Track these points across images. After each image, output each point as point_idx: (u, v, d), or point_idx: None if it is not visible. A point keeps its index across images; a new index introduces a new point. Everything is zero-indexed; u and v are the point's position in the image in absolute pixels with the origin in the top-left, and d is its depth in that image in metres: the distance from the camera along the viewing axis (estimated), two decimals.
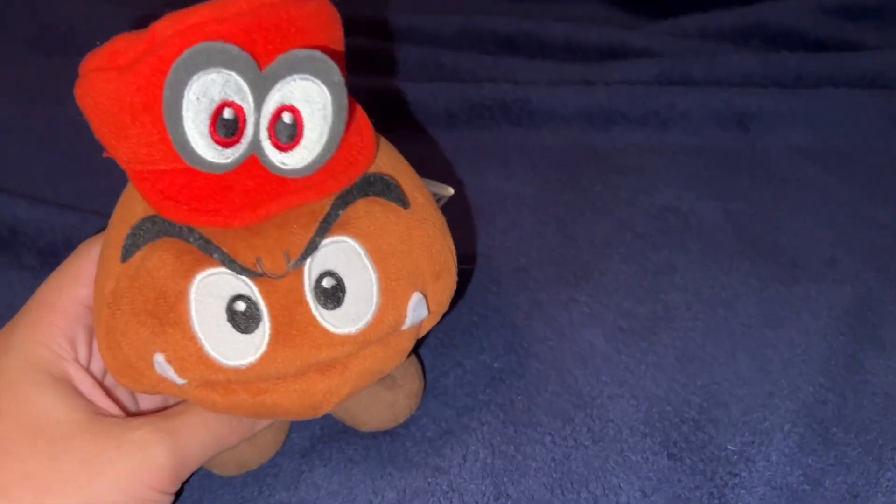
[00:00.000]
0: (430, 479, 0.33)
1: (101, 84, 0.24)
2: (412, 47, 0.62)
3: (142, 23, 0.25)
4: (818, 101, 0.54)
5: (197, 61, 0.23)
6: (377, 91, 0.55)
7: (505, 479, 0.33)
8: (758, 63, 0.57)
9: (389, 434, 0.35)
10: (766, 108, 0.54)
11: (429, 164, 0.52)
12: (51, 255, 0.44)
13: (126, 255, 0.27)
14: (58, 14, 0.68)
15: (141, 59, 0.24)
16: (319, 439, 0.35)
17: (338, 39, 0.28)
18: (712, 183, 0.50)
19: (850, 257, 0.44)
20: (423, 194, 0.31)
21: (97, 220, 0.45)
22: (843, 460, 0.33)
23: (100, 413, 0.28)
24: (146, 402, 0.32)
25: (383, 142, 0.31)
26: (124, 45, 0.24)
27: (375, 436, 0.35)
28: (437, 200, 0.37)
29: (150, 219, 0.27)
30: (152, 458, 0.27)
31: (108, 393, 0.30)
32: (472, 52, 0.63)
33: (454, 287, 0.31)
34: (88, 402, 0.28)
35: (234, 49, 0.24)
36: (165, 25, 0.24)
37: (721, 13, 0.64)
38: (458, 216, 0.46)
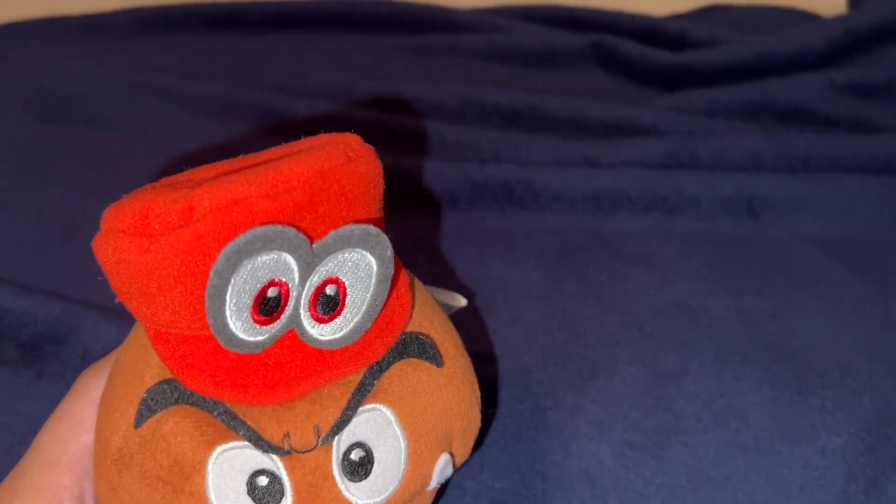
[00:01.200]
0: None
1: (127, 248, 0.22)
2: (414, 119, 0.61)
3: (170, 170, 0.24)
4: (830, 189, 0.53)
5: (251, 248, 0.22)
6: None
7: None
8: (767, 144, 0.56)
9: None
10: (777, 194, 0.53)
11: (430, 247, 0.51)
12: (33, 349, 0.42)
13: (139, 419, 0.25)
14: (56, 79, 0.67)
15: (176, 229, 0.22)
16: None
17: (380, 197, 0.26)
18: (722, 275, 0.49)
19: (867, 363, 0.42)
20: (454, 344, 0.30)
21: (83, 312, 0.43)
22: None
23: None
24: None
25: (416, 285, 0.29)
26: (158, 211, 0.23)
27: None
28: (448, 310, 0.36)
29: (170, 383, 0.25)
30: None
31: None
32: (476, 125, 0.62)
33: (477, 434, 0.30)
34: None
35: (291, 232, 0.22)
36: (207, 196, 0.22)
37: (730, 88, 0.63)
38: (466, 310, 0.44)
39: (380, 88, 0.64)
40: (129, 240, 0.22)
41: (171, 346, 0.24)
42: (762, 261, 0.50)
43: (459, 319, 0.31)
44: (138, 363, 0.26)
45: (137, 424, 0.25)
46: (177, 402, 0.25)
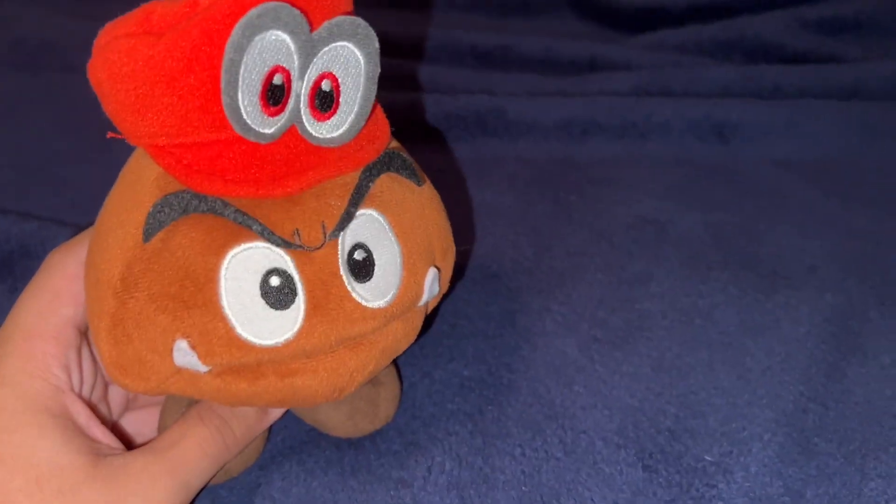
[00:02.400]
0: (392, 493, 0.31)
1: (134, 49, 0.22)
2: (389, 60, 0.61)
3: None
4: (798, 113, 0.53)
5: (263, 22, 0.22)
6: None
7: (472, 493, 0.31)
8: (737, 75, 0.57)
9: (353, 446, 0.33)
10: (746, 119, 0.53)
11: None
12: (7, 264, 0.43)
13: (148, 235, 0.25)
14: (29, 29, 0.67)
15: (184, 22, 0.22)
16: (279, 451, 0.33)
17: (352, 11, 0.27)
18: (691, 194, 0.49)
19: (830, 266, 0.43)
20: (424, 174, 0.31)
21: (55, 228, 0.43)
22: (824, 471, 0.32)
23: (101, 454, 0.27)
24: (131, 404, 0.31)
25: None
26: (161, 10, 0.23)
27: (339, 447, 0.33)
28: None
29: (176, 195, 0.25)
30: (159, 500, 0.26)
31: (102, 419, 0.28)
32: (451, 66, 0.62)
33: (453, 264, 0.32)
34: (90, 441, 0.27)
35: (297, 12, 0.23)
36: None
37: (700, 27, 0.64)
38: None
39: None
40: (135, 41, 0.22)
41: (176, 156, 0.24)
42: (731, 181, 0.51)
43: None
44: (133, 196, 0.26)
45: (147, 239, 0.25)
46: (184, 211, 0.25)
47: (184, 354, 0.25)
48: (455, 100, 0.55)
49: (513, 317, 0.40)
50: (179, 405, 0.30)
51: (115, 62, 0.22)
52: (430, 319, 0.31)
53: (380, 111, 0.28)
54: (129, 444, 0.29)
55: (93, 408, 0.28)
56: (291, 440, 0.34)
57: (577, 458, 0.32)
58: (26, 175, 0.53)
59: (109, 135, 0.25)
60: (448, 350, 0.37)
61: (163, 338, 0.25)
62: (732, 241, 0.45)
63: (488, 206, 0.48)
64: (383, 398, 0.32)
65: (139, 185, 0.26)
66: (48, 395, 0.26)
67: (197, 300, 0.25)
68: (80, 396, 0.28)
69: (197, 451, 0.28)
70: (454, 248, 0.32)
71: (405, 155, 0.29)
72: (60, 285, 0.28)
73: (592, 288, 0.42)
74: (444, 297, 0.33)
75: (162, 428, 0.30)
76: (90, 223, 0.45)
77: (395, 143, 0.30)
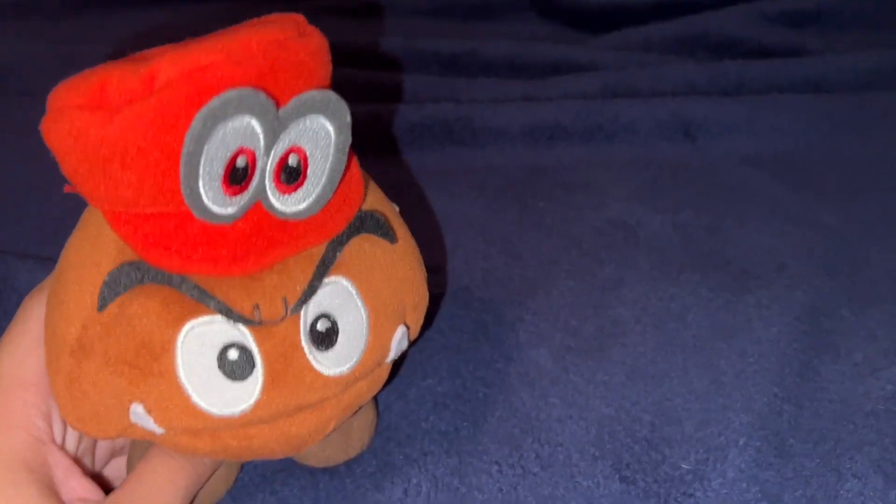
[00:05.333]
0: None
1: (86, 123, 0.21)
2: (353, 70, 0.61)
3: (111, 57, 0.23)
4: (763, 108, 0.54)
5: (225, 111, 0.21)
6: None
7: None
8: (701, 72, 0.57)
9: (327, 472, 0.33)
10: (712, 116, 0.53)
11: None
12: None
13: (103, 303, 0.24)
14: None
15: (140, 100, 0.21)
16: (252, 481, 0.33)
17: (330, 74, 0.26)
18: (659, 195, 0.49)
19: (799, 263, 0.43)
20: (401, 225, 0.30)
21: (16, 261, 0.43)
22: (801, 473, 0.32)
23: None
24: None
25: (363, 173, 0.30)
26: (115, 82, 0.22)
27: (312, 473, 0.33)
28: None
29: (133, 264, 0.24)
30: None
31: (83, 469, 0.28)
32: (415, 73, 0.62)
33: (426, 311, 0.31)
34: (67, 497, 0.26)
35: (261, 95, 0.22)
36: (169, 64, 0.22)
37: (664, 24, 0.64)
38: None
39: None
40: (87, 115, 0.21)
41: (133, 225, 0.24)
42: (698, 180, 0.51)
43: None
44: (92, 253, 0.25)
45: (101, 308, 0.24)
46: (140, 281, 0.24)
47: (139, 417, 0.25)
48: (420, 109, 0.54)
49: (486, 329, 0.39)
50: (145, 441, 0.29)
51: (67, 134, 0.22)
52: (402, 354, 0.30)
53: (354, 170, 0.27)
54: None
55: (76, 459, 0.28)
56: (264, 469, 0.33)
57: (554, 473, 0.32)
58: None
59: (67, 189, 0.24)
60: (421, 367, 0.37)
61: (118, 399, 0.25)
62: (702, 241, 0.45)
63: (458, 215, 0.48)
64: (357, 428, 0.32)
65: (99, 241, 0.25)
66: (28, 449, 0.26)
67: (153, 369, 0.25)
68: (61, 447, 0.27)
69: (169, 487, 0.27)
70: (427, 298, 0.31)
71: (378, 214, 0.29)
72: (38, 332, 0.27)
73: (564, 296, 0.41)
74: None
75: (130, 463, 0.30)
76: (51, 254, 0.45)
77: (370, 197, 0.29)
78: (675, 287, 0.41)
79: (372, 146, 0.54)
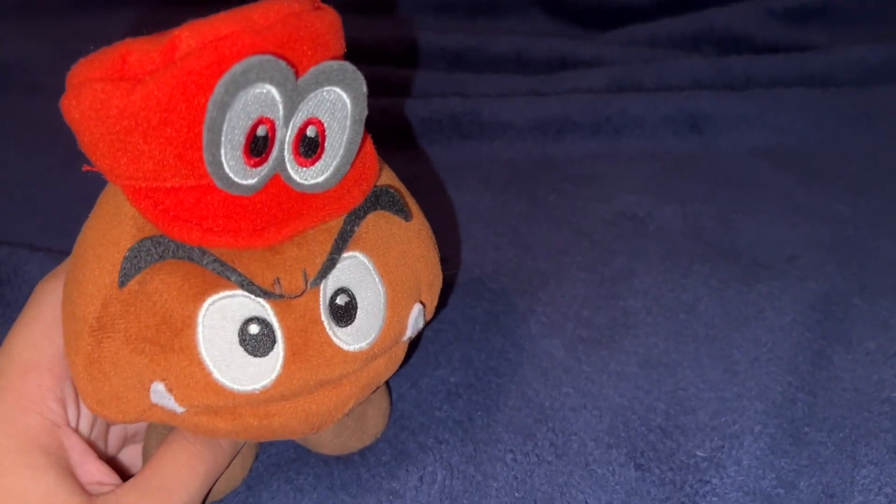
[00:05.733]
0: None
1: (108, 96, 0.21)
2: (360, 65, 0.61)
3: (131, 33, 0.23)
4: (769, 102, 0.54)
5: (247, 78, 0.21)
6: None
7: (464, 501, 0.31)
8: (707, 67, 0.57)
9: (342, 460, 0.33)
10: (719, 110, 0.53)
11: None
12: None
13: (124, 279, 0.24)
14: None
15: (161, 70, 0.21)
16: (267, 469, 0.33)
17: (344, 49, 0.26)
18: (668, 187, 0.49)
19: (810, 253, 0.43)
20: (414, 203, 0.30)
21: (28, 254, 0.42)
22: (816, 460, 0.32)
23: (95, 492, 0.26)
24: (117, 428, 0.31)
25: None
26: (136, 54, 0.22)
27: (327, 462, 0.33)
28: None
29: (153, 239, 0.24)
30: None
31: (98, 453, 0.28)
32: (423, 69, 0.62)
33: (440, 291, 0.31)
34: (84, 480, 0.26)
35: (282, 63, 0.22)
36: (190, 35, 0.22)
37: (669, 20, 0.64)
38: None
39: None
40: (108, 86, 0.21)
41: (153, 200, 0.24)
42: (707, 172, 0.51)
43: None
44: (110, 232, 0.25)
45: (122, 285, 0.24)
46: (161, 257, 0.24)
47: (160, 396, 0.25)
48: (429, 103, 0.54)
49: (497, 319, 0.39)
50: (163, 427, 0.29)
51: (89, 107, 0.22)
52: (415, 341, 0.30)
53: (369, 147, 0.27)
54: (127, 477, 0.29)
55: (90, 444, 0.28)
56: (279, 458, 0.33)
57: (569, 461, 0.32)
58: None
59: (85, 168, 0.24)
60: (434, 357, 0.37)
61: (139, 378, 0.25)
62: (711, 232, 0.45)
63: (468, 208, 0.48)
64: (371, 415, 0.32)
65: (117, 220, 0.25)
66: (43, 432, 0.26)
67: (174, 345, 0.25)
68: (76, 430, 0.27)
69: (188, 472, 0.27)
70: (441, 278, 0.31)
71: (393, 190, 0.29)
72: (53, 315, 0.27)
73: (575, 287, 0.41)
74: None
75: (146, 450, 0.30)
76: (60, 248, 0.45)
77: (384, 176, 0.29)
78: (686, 278, 0.41)
79: (381, 140, 0.54)
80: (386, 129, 0.54)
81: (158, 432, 0.29)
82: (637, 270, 0.42)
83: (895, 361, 0.35)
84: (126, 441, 0.31)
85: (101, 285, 0.25)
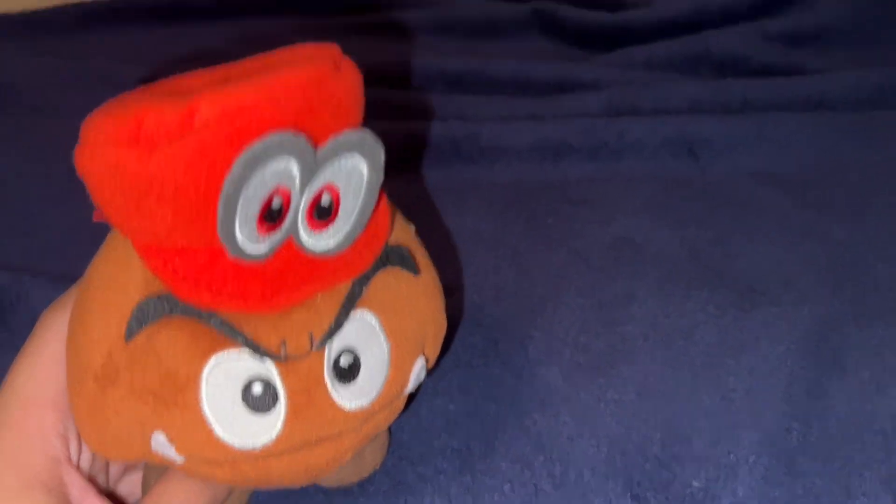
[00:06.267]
0: None
1: (123, 160, 0.21)
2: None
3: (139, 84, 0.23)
4: (766, 126, 0.54)
5: (266, 155, 0.21)
6: None
7: None
8: (705, 90, 0.57)
9: (340, 492, 0.33)
10: (716, 134, 0.54)
11: None
12: None
13: (130, 333, 0.25)
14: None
15: (178, 138, 0.21)
16: (265, 501, 0.33)
17: (363, 106, 0.26)
18: (666, 211, 0.50)
19: (806, 278, 0.43)
20: (423, 255, 0.31)
21: (30, 279, 0.43)
22: (811, 490, 0.32)
23: None
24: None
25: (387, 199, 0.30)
26: (155, 119, 0.21)
27: (327, 494, 0.33)
28: None
29: (162, 297, 0.24)
30: None
31: (98, 488, 0.28)
32: (421, 91, 0.62)
33: (443, 337, 0.32)
34: None
35: (301, 139, 0.22)
36: (209, 103, 0.21)
37: (667, 43, 0.65)
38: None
39: None
40: (124, 151, 0.21)
41: (164, 259, 0.24)
42: (704, 196, 0.51)
43: None
44: (119, 277, 0.25)
45: (128, 338, 0.24)
46: (169, 313, 0.24)
47: (161, 445, 0.25)
48: (429, 126, 0.55)
49: (496, 345, 0.40)
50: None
51: (104, 169, 0.22)
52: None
53: (383, 206, 0.27)
54: None
55: (90, 478, 0.28)
56: (275, 492, 0.33)
57: (566, 492, 0.33)
58: None
59: (96, 218, 0.24)
60: (433, 385, 0.37)
61: (141, 427, 0.25)
62: (708, 256, 0.46)
63: (467, 231, 0.49)
64: (369, 448, 0.32)
65: (126, 269, 0.25)
66: (45, 469, 0.26)
67: (177, 400, 0.25)
68: (77, 466, 0.27)
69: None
70: (445, 325, 0.31)
71: (403, 247, 0.29)
72: (57, 349, 0.27)
73: (574, 312, 0.42)
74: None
75: (146, 482, 0.30)
76: (63, 270, 0.45)
77: (396, 229, 0.29)
78: (683, 303, 0.42)
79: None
80: (386, 153, 0.54)
81: (157, 467, 0.29)
82: (635, 295, 0.43)
83: (888, 391, 0.36)
84: (127, 469, 0.32)
85: (108, 334, 0.25)
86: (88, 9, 0.81)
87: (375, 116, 0.61)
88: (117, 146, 0.21)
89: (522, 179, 0.53)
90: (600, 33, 0.69)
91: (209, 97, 0.22)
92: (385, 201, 0.27)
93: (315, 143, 0.23)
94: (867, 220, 0.48)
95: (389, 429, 0.35)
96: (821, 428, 0.35)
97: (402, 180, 0.54)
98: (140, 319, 0.25)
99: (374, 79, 0.64)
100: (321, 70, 0.23)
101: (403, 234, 0.30)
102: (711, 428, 0.35)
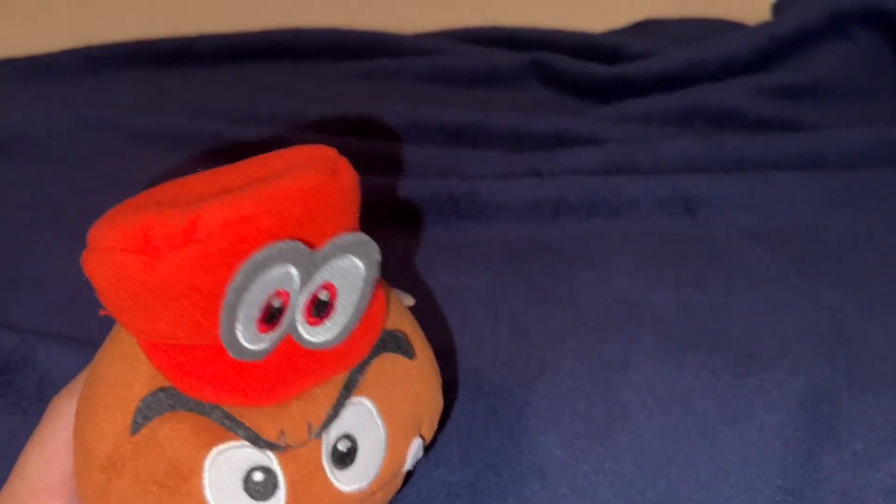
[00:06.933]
0: None
1: (129, 266, 0.23)
2: (359, 140, 0.62)
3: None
4: (762, 185, 0.55)
5: (267, 264, 0.23)
6: None
7: None
8: (700, 147, 0.58)
9: None
10: (712, 192, 0.55)
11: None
12: None
13: (136, 427, 0.26)
14: (2, 116, 0.67)
15: (182, 247, 0.23)
16: None
17: (359, 205, 0.28)
18: (662, 270, 0.50)
19: (801, 344, 0.44)
20: (420, 337, 0.32)
21: (36, 341, 0.43)
22: None
23: None
24: None
25: (383, 283, 0.31)
26: (160, 229, 0.23)
27: None
28: None
29: (166, 392, 0.26)
30: None
31: None
32: (421, 144, 0.63)
33: (440, 416, 0.33)
34: None
35: (301, 247, 0.24)
36: (211, 214, 0.23)
37: (664, 96, 0.66)
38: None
39: (326, 112, 0.65)
40: (130, 258, 0.23)
41: (167, 356, 0.25)
42: (700, 255, 0.52)
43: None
44: (124, 372, 0.26)
45: (134, 432, 0.26)
46: (172, 408, 0.26)
47: None
48: (428, 183, 0.56)
49: (496, 413, 0.40)
50: None
51: (111, 274, 0.23)
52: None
53: (379, 295, 0.29)
54: None
55: None
56: None
57: None
58: (1, 273, 0.52)
59: (102, 313, 0.25)
60: (434, 455, 0.38)
61: None
62: (705, 318, 0.46)
63: (465, 290, 0.49)
64: None
65: (132, 363, 0.26)
66: None
67: (181, 489, 0.26)
68: None
69: None
70: (441, 404, 0.32)
71: (399, 332, 0.30)
72: (65, 436, 0.28)
73: (572, 377, 0.42)
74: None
75: None
76: (67, 330, 0.46)
77: (392, 313, 0.30)
78: (680, 369, 0.42)
79: (379, 219, 0.55)
80: (385, 209, 0.55)
81: None
82: (632, 360, 0.43)
83: (881, 464, 0.36)
84: None
85: (113, 426, 0.26)
86: (94, 53, 0.82)
87: (375, 171, 0.62)
88: (124, 253, 0.23)
89: (520, 237, 0.54)
90: (598, 85, 0.70)
91: (212, 207, 0.23)
92: (381, 291, 0.29)
93: (313, 247, 0.24)
94: (860, 284, 0.48)
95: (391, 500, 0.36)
96: (815, 500, 0.35)
97: (401, 235, 0.55)
98: (145, 414, 0.26)
99: (372, 130, 0.65)
100: (319, 177, 0.25)
101: (399, 318, 0.31)
102: (707, 500, 0.36)
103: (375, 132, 0.64)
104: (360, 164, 0.62)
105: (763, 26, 0.70)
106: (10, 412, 0.42)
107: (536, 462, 0.38)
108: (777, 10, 0.79)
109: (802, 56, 0.69)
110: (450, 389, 0.40)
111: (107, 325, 0.28)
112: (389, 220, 0.55)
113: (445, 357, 0.43)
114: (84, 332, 0.46)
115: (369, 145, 0.61)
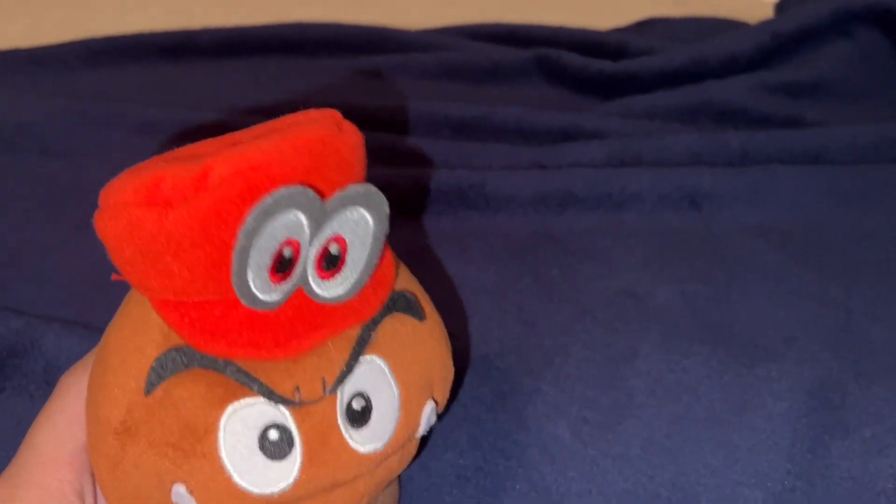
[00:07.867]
0: None
1: (141, 220, 0.23)
2: (365, 132, 0.62)
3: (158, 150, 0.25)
4: (766, 180, 0.55)
5: (277, 208, 0.23)
6: None
7: None
8: (705, 142, 0.58)
9: None
10: (717, 187, 0.55)
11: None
12: None
13: (149, 387, 0.26)
14: (3, 110, 0.67)
15: (194, 197, 0.23)
16: None
17: (365, 165, 0.28)
18: (667, 264, 0.51)
19: (806, 337, 0.44)
20: (427, 302, 0.32)
21: (43, 325, 0.43)
22: None
23: None
24: None
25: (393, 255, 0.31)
26: (170, 180, 0.23)
27: None
28: None
29: (179, 350, 0.26)
30: None
31: None
32: (427, 137, 0.63)
33: (451, 385, 0.33)
34: None
35: (310, 192, 0.23)
36: (222, 162, 0.23)
37: (668, 93, 0.66)
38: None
39: (331, 106, 0.65)
40: (142, 210, 0.23)
41: (180, 312, 0.25)
42: (705, 249, 0.52)
43: None
44: (136, 335, 0.26)
45: (147, 392, 0.25)
46: (186, 366, 0.25)
47: (181, 497, 0.26)
48: (435, 175, 0.56)
49: (504, 399, 0.40)
50: None
51: (123, 230, 0.23)
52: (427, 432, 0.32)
53: (387, 255, 0.29)
54: None
55: None
56: None
57: None
58: (4, 265, 0.52)
59: (114, 277, 0.25)
60: (442, 439, 0.38)
61: (160, 480, 0.26)
62: (710, 312, 0.46)
63: (472, 281, 0.49)
64: (381, 500, 0.33)
65: (144, 327, 0.26)
66: None
67: (196, 450, 0.26)
68: None
69: None
70: (453, 372, 0.32)
71: (408, 293, 0.30)
72: (76, 410, 0.28)
73: (580, 366, 0.42)
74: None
75: None
76: (73, 316, 0.45)
77: (401, 278, 0.30)
78: (687, 359, 0.43)
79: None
80: (392, 200, 0.55)
81: None
82: (639, 351, 0.43)
83: (890, 451, 0.37)
84: None
85: (127, 390, 0.26)
86: (94, 46, 0.82)
87: (383, 163, 0.62)
88: (136, 206, 0.23)
89: (526, 229, 0.54)
90: (602, 81, 0.70)
91: (222, 157, 0.23)
92: (389, 252, 0.29)
93: (322, 197, 0.24)
94: (864, 279, 0.49)
95: (400, 481, 0.35)
96: (824, 487, 0.35)
97: (409, 227, 0.55)
98: (159, 373, 0.26)
99: (378, 124, 0.65)
100: (325, 130, 0.25)
101: (407, 281, 0.31)
102: (716, 486, 0.36)
103: (380, 125, 0.65)
104: (368, 156, 0.63)
105: (766, 24, 0.71)
106: (18, 394, 0.42)
107: (545, 447, 0.38)
108: (780, 8, 0.80)
109: (805, 54, 0.70)
110: (459, 372, 0.41)
111: (111, 312, 0.29)
112: (396, 211, 0.55)
113: (455, 339, 0.43)
114: (90, 319, 0.46)
115: (375, 137, 0.61)
